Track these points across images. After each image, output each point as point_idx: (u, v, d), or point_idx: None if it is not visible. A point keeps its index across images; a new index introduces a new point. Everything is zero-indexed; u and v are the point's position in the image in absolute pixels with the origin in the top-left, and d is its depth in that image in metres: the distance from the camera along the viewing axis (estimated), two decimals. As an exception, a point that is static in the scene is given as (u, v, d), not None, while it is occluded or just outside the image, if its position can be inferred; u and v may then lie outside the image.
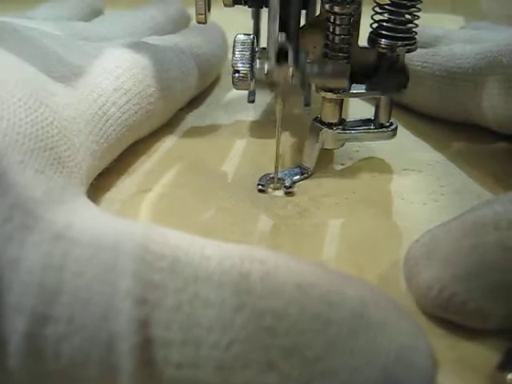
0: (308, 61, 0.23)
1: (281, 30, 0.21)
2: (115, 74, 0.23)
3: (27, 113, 0.17)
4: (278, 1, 0.21)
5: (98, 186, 0.22)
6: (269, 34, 0.21)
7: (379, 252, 0.20)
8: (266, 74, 0.22)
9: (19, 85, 0.18)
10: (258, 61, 0.22)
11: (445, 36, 0.32)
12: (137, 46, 0.26)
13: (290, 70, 0.21)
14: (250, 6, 0.25)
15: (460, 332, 0.16)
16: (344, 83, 0.23)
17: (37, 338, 0.13)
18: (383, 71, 0.23)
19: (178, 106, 0.29)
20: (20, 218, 0.14)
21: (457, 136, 0.28)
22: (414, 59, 0.28)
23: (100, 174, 0.22)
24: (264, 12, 0.25)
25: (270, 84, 0.23)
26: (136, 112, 0.24)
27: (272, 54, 0.21)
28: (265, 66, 0.22)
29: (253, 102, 0.27)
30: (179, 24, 0.36)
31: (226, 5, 0.24)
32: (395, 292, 0.18)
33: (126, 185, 0.24)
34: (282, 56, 0.20)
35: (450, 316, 0.16)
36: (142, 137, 0.26)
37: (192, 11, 0.36)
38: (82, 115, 0.20)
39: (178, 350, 0.12)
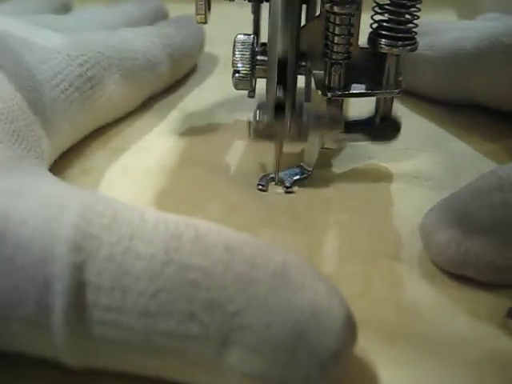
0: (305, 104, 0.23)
1: (279, 81, 0.22)
2: (79, 61, 0.25)
3: None
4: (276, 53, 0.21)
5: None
6: (267, 89, 0.22)
7: (380, 248, 0.20)
8: (265, 127, 0.22)
9: None
10: (257, 112, 0.22)
11: (429, 25, 0.33)
12: (104, 36, 0.27)
13: (288, 123, 0.22)
14: (250, 1, 0.25)
15: (474, 286, 0.18)
16: (341, 128, 0.23)
17: None
18: (377, 122, 0.24)
19: (146, 93, 0.30)
20: None
21: (458, 116, 0.29)
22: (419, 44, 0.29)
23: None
24: (264, 7, 0.25)
25: (268, 135, 0.23)
26: (100, 97, 0.25)
27: (270, 109, 0.22)
28: (264, 119, 0.22)
29: (253, 97, 0.27)
30: (156, 19, 0.36)
31: None
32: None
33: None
34: (279, 110, 0.22)
35: (466, 271, 0.18)
36: (109, 121, 0.27)
37: (170, 7, 0.37)
38: (43, 96, 0.22)
39: (107, 295, 0.13)
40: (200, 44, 0.35)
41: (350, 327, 0.14)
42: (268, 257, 0.14)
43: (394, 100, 0.24)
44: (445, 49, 0.29)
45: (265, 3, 0.25)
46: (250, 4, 0.27)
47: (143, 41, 0.29)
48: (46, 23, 0.28)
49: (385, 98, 0.24)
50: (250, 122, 0.23)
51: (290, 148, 0.24)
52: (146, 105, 0.30)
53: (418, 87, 0.30)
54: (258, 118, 0.22)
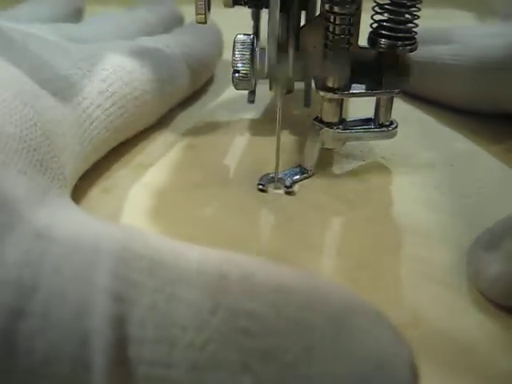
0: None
1: (281, 25, 0.21)
2: (100, 77, 0.23)
3: (11, 113, 0.17)
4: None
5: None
6: (269, 31, 0.21)
7: (381, 250, 0.20)
8: (267, 72, 0.22)
9: (3, 86, 0.18)
10: (258, 59, 0.22)
11: (453, 33, 0.33)
12: (124, 48, 0.26)
13: (290, 66, 0.21)
14: (249, 7, 0.25)
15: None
16: (347, 75, 0.23)
17: (11, 333, 0.12)
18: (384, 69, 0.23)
19: (168, 106, 0.29)
20: (0, 217, 0.14)
21: (483, 127, 0.29)
22: (443, 53, 0.29)
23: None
24: (264, 13, 0.25)
25: (269, 80, 0.23)
26: (121, 114, 0.24)
27: (272, 52, 0.21)
28: (265, 64, 0.22)
29: (253, 102, 0.27)
30: (171, 25, 0.35)
31: (225, 5, 0.24)
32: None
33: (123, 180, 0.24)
34: (282, 52, 0.21)
35: None
36: (130, 138, 0.26)
37: (185, 10, 0.36)
38: (66, 118, 0.21)
39: (152, 348, 0.12)
40: (219, 51, 0.34)
41: (416, 378, 0.13)
42: (325, 297, 0.13)
43: (417, 107, 0.24)
44: (470, 57, 0.28)
45: (264, 10, 0.25)
46: (249, 10, 0.27)
47: (164, 52, 0.28)
48: (63, 33, 0.27)
49: (385, 98, 0.24)
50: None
51: (289, 154, 0.24)
52: (166, 118, 0.29)
53: (444, 97, 0.30)
54: (258, 65, 0.22)
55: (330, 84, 0.23)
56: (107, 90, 0.23)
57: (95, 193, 0.23)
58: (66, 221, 0.15)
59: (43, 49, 0.23)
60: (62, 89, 0.21)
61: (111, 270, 0.13)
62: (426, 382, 0.14)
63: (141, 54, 0.26)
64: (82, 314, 0.12)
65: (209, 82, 0.34)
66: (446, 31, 0.33)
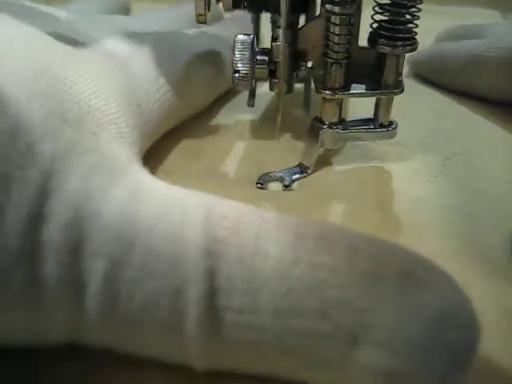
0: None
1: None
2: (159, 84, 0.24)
3: (95, 89, 0.18)
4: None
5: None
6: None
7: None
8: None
9: (85, 67, 0.19)
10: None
11: (484, 29, 0.33)
12: (178, 36, 0.27)
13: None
14: (249, 11, 0.25)
15: None
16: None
17: (113, 281, 0.14)
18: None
19: (216, 94, 0.29)
20: (97, 176, 0.15)
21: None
22: (478, 46, 0.30)
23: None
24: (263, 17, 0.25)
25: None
26: (176, 100, 0.24)
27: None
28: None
29: (253, 106, 0.27)
30: (212, 20, 0.35)
31: (225, 9, 0.24)
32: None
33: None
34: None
35: None
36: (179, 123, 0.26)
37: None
38: (131, 97, 0.21)
39: (240, 297, 0.13)
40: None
41: (478, 325, 0.14)
42: (392, 255, 0.14)
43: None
44: (504, 49, 0.29)
45: (264, 13, 0.25)
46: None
47: (211, 43, 0.28)
48: (110, 26, 0.28)
49: (385, 98, 0.24)
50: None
51: (289, 153, 0.24)
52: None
53: (481, 90, 0.31)
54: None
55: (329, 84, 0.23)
56: (161, 79, 0.24)
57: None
58: (152, 187, 0.16)
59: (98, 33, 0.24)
60: (129, 76, 0.22)
61: (200, 228, 0.14)
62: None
63: (191, 44, 0.27)
64: (176, 267, 0.14)
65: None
66: (478, 27, 0.34)
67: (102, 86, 0.19)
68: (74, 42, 0.21)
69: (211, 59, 0.27)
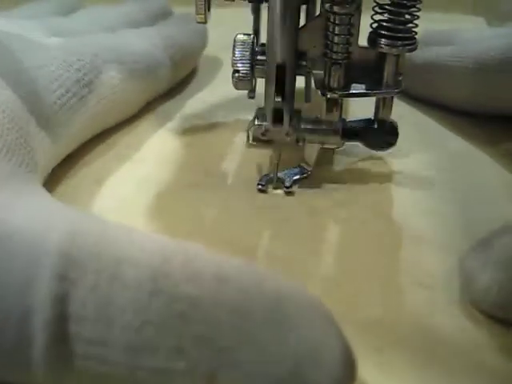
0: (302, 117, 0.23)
1: (277, 91, 0.22)
2: (76, 67, 0.24)
3: None
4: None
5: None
6: (266, 95, 0.23)
7: (380, 252, 0.20)
8: (263, 134, 0.23)
9: None
10: (256, 120, 0.23)
11: (455, 35, 0.33)
12: (103, 38, 0.27)
13: (286, 129, 0.22)
14: (250, 1, 0.25)
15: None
16: (338, 141, 0.23)
17: None
18: (375, 130, 0.24)
19: (148, 96, 0.29)
20: None
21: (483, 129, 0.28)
22: (443, 54, 0.29)
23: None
24: (264, 7, 0.25)
25: (266, 141, 0.23)
26: (98, 102, 0.25)
27: (269, 115, 0.22)
28: (263, 126, 0.23)
29: (253, 97, 0.27)
30: (158, 18, 0.36)
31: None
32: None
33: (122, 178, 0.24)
34: (277, 117, 0.22)
35: (507, 314, 0.17)
36: (108, 127, 0.27)
37: (175, 7, 0.37)
38: (40, 103, 0.21)
39: (91, 327, 0.13)
40: (203, 44, 0.35)
41: (348, 366, 0.13)
42: (259, 286, 0.13)
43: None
44: (469, 59, 0.28)
45: (264, 4, 0.24)
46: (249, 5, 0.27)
47: (145, 43, 0.29)
48: (47, 26, 0.28)
49: (385, 98, 0.24)
50: (248, 129, 0.23)
51: (289, 153, 0.24)
52: (148, 108, 0.30)
53: (443, 98, 0.30)
54: (256, 124, 0.23)
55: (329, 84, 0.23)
56: (83, 79, 0.24)
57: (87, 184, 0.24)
58: (25, 200, 0.15)
59: (21, 40, 0.24)
60: (39, 77, 0.22)
61: (58, 249, 0.13)
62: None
63: (119, 44, 0.27)
64: (26, 291, 0.13)
65: (191, 73, 0.34)
66: (449, 33, 0.33)
67: None
68: None
69: (143, 59, 0.28)
